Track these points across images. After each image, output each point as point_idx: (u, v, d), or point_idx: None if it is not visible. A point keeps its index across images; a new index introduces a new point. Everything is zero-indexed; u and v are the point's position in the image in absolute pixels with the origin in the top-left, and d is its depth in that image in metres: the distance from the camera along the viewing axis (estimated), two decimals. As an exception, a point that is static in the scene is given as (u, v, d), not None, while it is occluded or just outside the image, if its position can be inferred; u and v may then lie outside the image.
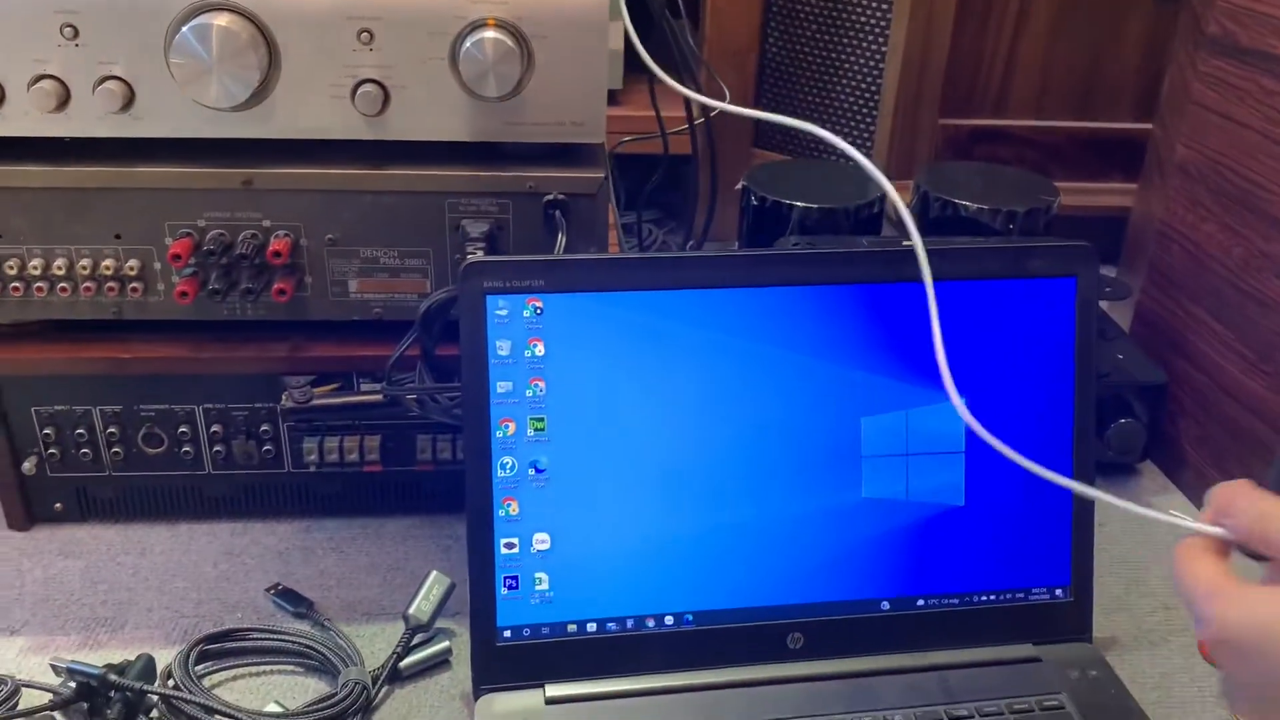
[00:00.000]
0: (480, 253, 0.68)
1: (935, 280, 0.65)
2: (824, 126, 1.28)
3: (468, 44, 0.65)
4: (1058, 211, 0.96)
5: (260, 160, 0.69)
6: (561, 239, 0.69)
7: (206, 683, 0.65)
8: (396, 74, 0.67)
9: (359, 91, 0.67)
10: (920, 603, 0.67)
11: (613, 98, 1.18)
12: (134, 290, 0.71)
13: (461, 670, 0.68)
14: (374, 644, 0.69)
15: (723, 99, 1.19)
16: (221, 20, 0.63)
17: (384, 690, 0.66)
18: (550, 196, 0.70)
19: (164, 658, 0.66)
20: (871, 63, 1.20)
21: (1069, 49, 1.20)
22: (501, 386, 0.62)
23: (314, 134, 0.68)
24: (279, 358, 0.73)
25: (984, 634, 0.67)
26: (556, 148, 0.71)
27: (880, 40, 1.19)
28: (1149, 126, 0.99)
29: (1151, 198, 0.95)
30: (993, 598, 0.68)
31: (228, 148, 0.69)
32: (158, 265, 0.71)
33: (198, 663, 0.66)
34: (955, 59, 1.19)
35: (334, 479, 0.78)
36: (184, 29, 0.63)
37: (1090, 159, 1.24)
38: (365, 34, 0.66)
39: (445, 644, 0.68)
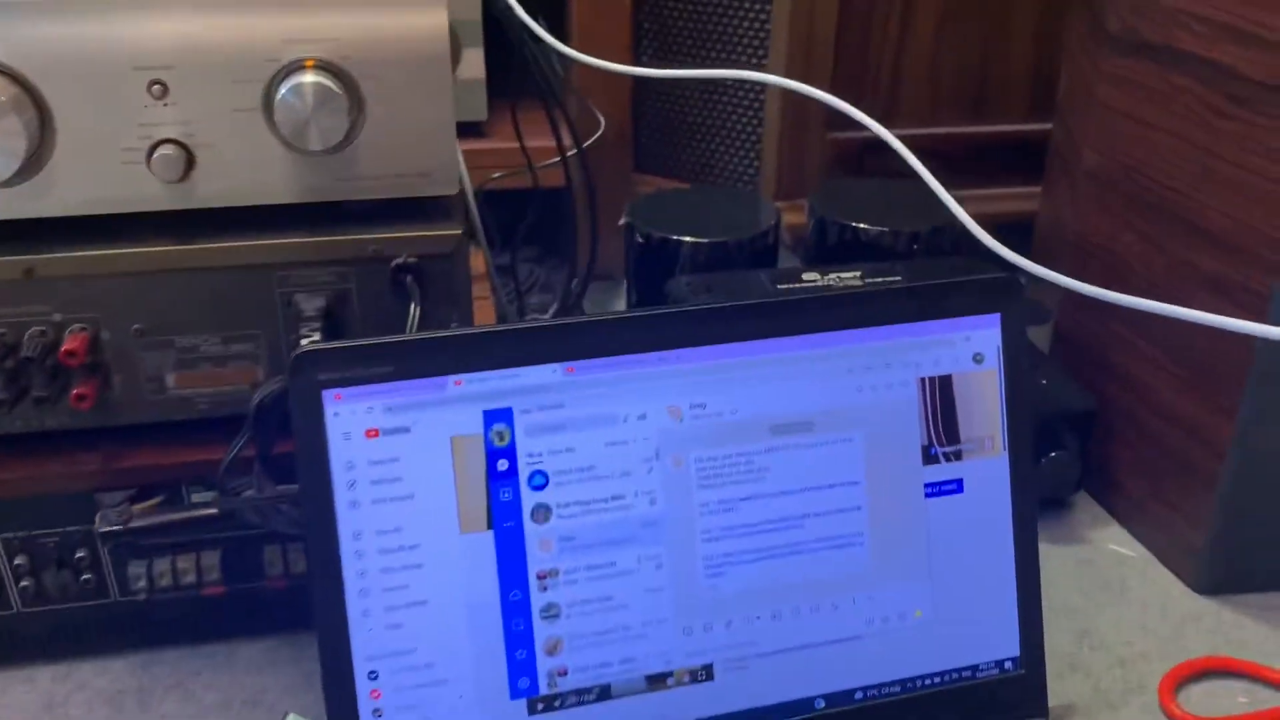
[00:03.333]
0: (317, 334, 0.57)
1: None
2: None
3: (283, 91, 0.55)
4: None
5: (43, 244, 0.57)
6: (415, 311, 0.59)
7: None
8: (200, 131, 0.56)
9: (155, 154, 0.56)
10: (859, 695, 0.59)
11: (478, 129, 1.09)
12: (-100, 407, 0.59)
13: (333, 830, 0.57)
14: (226, 806, 0.58)
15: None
16: (-30, 79, 0.52)
17: None
18: (399, 260, 0.60)
19: None
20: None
21: (956, 50, 1.15)
22: (347, 495, 0.52)
23: (106, 208, 0.57)
24: (90, 471, 0.62)
25: (932, 723, 0.59)
26: (403, 203, 0.61)
27: (760, 55, 1.11)
28: (1046, 126, 0.94)
29: (1061, 207, 0.89)
30: (937, 680, 0.60)
31: (1, 231, 0.57)
32: (-73, 375, 0.59)
33: None
34: (840, 70, 1.12)
35: (172, 604, 0.67)
36: (-77, 92, 0.51)
37: (987, 164, 1.18)
38: (158, 86, 0.55)
39: (310, 802, 0.57)
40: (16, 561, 0.63)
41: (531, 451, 0.54)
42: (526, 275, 1.19)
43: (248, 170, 0.57)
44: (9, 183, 0.55)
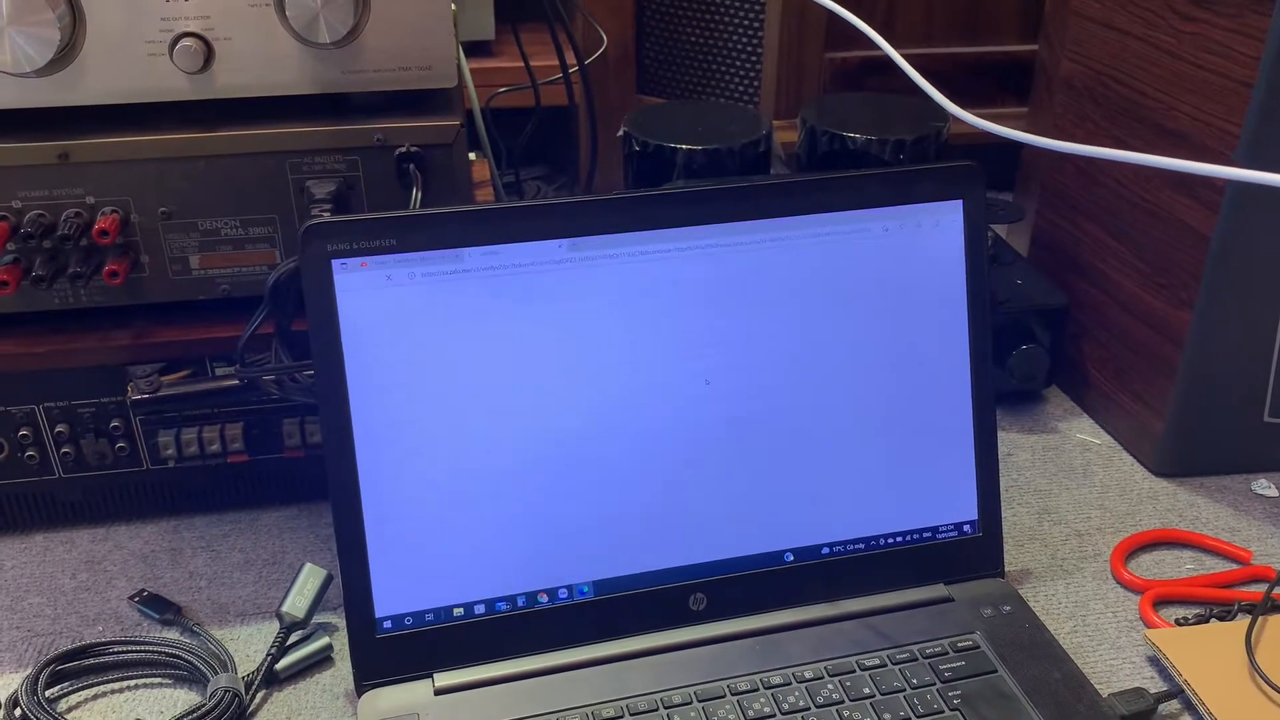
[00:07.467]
0: (327, 215, 0.62)
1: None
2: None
3: (294, -14, 0.60)
4: (948, 139, 0.93)
5: (76, 130, 0.63)
6: (416, 194, 0.63)
7: (62, 706, 0.60)
8: (218, 24, 0.61)
9: (178, 46, 0.60)
10: (825, 551, 0.64)
11: (486, 49, 1.13)
12: (-51, 284, 0.64)
13: (346, 666, 0.63)
14: (250, 646, 0.64)
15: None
16: (9, -27, 0.56)
17: (260, 695, 0.61)
18: (402, 149, 0.64)
19: (15, 684, 0.60)
20: (753, 1, 1.16)
21: (952, -28, 1.17)
22: (357, 359, 0.57)
23: (132, 97, 0.62)
24: (121, 346, 0.67)
25: (894, 578, 0.64)
26: (406, 96, 0.65)
27: (760, -26, 1.15)
28: (1037, 47, 0.97)
29: (1041, 117, 0.92)
30: (900, 539, 0.65)
31: (37, 118, 0.62)
32: (-27, 254, 0.64)
33: (50, 685, 0.60)
34: (838, -10, 1.15)
35: (199, 473, 0.72)
36: (-34, -15, 0.56)
37: (982, 84, 1.21)
38: (178, -19, 0.59)
39: (325, 640, 0.63)
40: (58, 429, 0.69)
41: (524, 321, 0.59)
42: (534, 194, 1.24)
43: (263, 62, 0.62)
44: (43, 72, 0.59)
